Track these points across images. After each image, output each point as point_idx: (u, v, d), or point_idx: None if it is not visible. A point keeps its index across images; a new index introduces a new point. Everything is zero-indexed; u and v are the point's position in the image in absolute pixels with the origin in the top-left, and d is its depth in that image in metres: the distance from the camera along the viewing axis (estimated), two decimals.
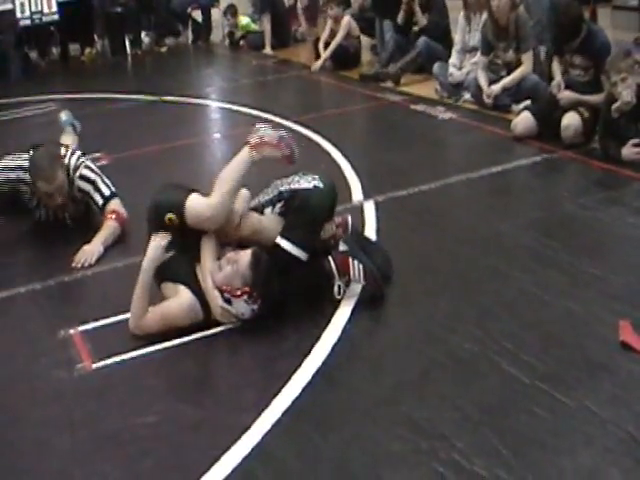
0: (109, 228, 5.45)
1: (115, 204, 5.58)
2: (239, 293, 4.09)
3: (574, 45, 6.70)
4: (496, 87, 7.69)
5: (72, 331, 4.33)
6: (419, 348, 3.91)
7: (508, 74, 7.81)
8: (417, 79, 9.49)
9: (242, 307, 4.13)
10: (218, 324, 4.21)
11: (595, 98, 6.57)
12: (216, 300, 4.17)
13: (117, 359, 4.03)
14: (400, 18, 9.99)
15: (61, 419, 3.65)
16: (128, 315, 4.26)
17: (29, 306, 4.64)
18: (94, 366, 4.00)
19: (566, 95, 6.74)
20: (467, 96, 8.29)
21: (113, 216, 5.50)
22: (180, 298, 4.21)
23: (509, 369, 3.64)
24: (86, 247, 5.25)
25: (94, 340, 4.24)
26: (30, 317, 4.62)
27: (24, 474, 3.35)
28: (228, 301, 4.13)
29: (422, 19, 9.76)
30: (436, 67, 8.79)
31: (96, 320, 4.41)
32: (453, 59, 8.65)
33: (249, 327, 4.18)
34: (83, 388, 3.87)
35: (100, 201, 5.55)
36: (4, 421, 3.71)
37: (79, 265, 5.10)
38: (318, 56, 10.92)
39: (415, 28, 9.86)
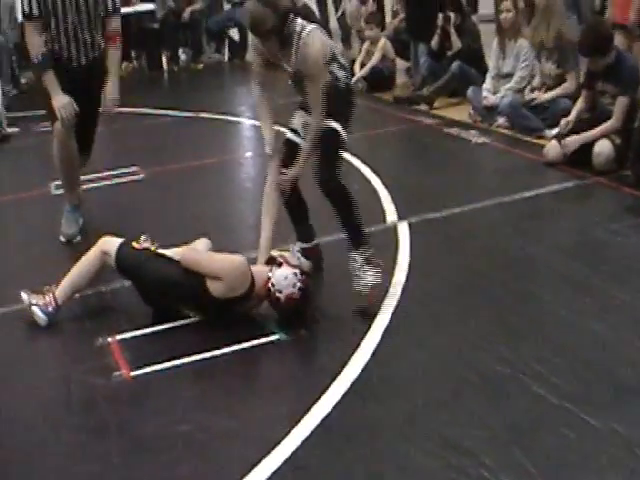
0: (118, 58, 6.00)
1: (119, 21, 5.94)
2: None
3: (601, 64, 6.71)
4: (571, 141, 6.95)
5: (110, 339, 4.42)
6: (450, 368, 3.98)
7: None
8: (451, 102, 9.55)
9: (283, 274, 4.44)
10: (252, 337, 4.30)
11: (602, 128, 6.64)
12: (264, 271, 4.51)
13: (153, 368, 4.11)
14: (434, 43, 10.06)
15: (97, 425, 3.74)
16: (164, 326, 4.38)
17: (67, 314, 4.71)
18: (131, 374, 4.08)
19: (569, 142, 6.82)
20: (501, 121, 8.31)
21: (117, 42, 5.91)
22: (235, 256, 4.50)
23: (538, 390, 3.69)
24: (109, 90, 5.86)
25: (131, 349, 4.33)
26: (68, 325, 4.70)
27: (59, 477, 3.42)
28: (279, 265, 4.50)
29: (457, 42, 9.82)
30: (470, 91, 8.85)
31: (133, 330, 4.50)
32: (487, 85, 8.69)
33: (283, 344, 4.27)
34: (119, 395, 3.95)
35: (110, 5, 5.80)
36: (40, 425, 3.79)
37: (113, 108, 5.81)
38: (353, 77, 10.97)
39: (449, 53, 9.93)
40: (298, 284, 4.41)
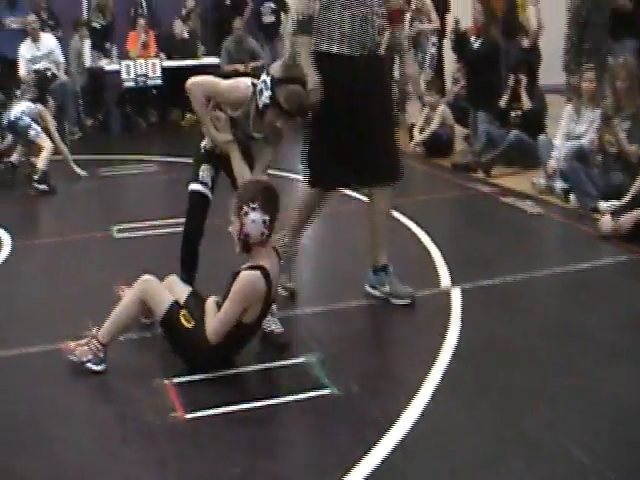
0: None
1: None
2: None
3: None
4: (626, 220, 6.95)
5: (166, 382, 4.55)
6: (495, 430, 4.06)
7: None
8: (508, 172, 9.64)
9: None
10: (304, 389, 4.42)
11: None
12: None
13: (208, 412, 4.23)
14: (503, 101, 10.16)
15: (152, 460, 3.88)
16: (219, 372, 4.57)
17: (126, 354, 4.87)
18: (186, 416, 4.21)
19: (624, 222, 6.90)
20: (559, 186, 8.32)
21: None
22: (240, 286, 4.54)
23: (580, 456, 3.75)
24: None
25: (187, 392, 4.46)
26: (127, 365, 4.84)
27: None
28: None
29: (527, 101, 9.91)
30: (541, 140, 9.04)
31: (189, 374, 4.63)
32: (558, 141, 8.74)
33: (334, 397, 4.38)
34: (174, 435, 4.08)
35: None
36: (96, 456, 3.96)
37: None
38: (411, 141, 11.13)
39: (512, 113, 10.03)
40: None
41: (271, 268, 4.61)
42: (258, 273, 4.52)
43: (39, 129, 9.74)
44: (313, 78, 5.20)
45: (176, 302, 4.68)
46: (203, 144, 5.30)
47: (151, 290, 4.71)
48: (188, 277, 5.26)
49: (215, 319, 4.56)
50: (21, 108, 9.81)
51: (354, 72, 5.32)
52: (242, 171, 5.05)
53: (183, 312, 4.63)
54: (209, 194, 5.26)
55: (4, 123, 9.89)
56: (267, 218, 4.57)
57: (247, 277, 4.52)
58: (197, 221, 5.28)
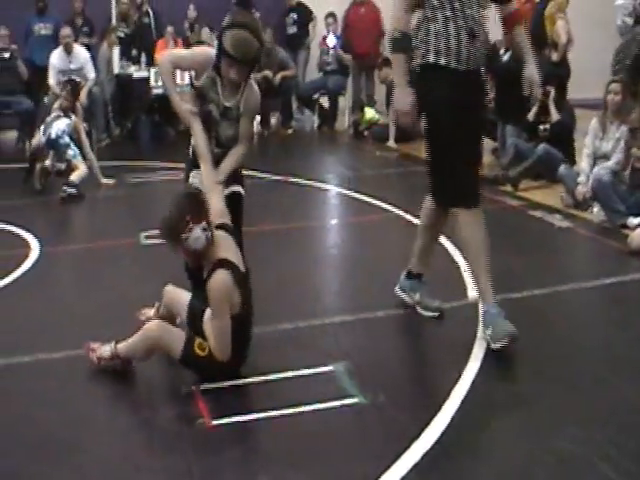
0: None
1: None
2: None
3: None
4: None
5: (194, 388, 4.56)
6: (523, 444, 4.03)
7: None
8: (536, 185, 9.61)
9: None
10: (331, 398, 4.42)
11: None
12: None
13: (234, 420, 4.24)
14: (532, 114, 10.12)
15: (178, 468, 3.88)
16: (246, 380, 4.58)
17: (153, 360, 4.84)
18: (213, 423, 4.21)
19: (634, 238, 6.89)
20: (596, 209, 8.19)
21: None
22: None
23: (606, 471, 3.73)
24: None
25: (214, 399, 4.46)
26: (154, 371, 4.85)
27: None
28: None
29: (555, 114, 9.85)
30: (562, 170, 8.85)
31: (217, 381, 4.62)
32: (583, 164, 8.63)
33: (361, 407, 4.38)
34: (201, 442, 4.08)
35: None
36: (120, 465, 3.96)
37: None
38: None
39: (541, 127, 10.00)
40: None
41: (232, 254, 4.65)
42: (221, 272, 4.53)
43: (77, 151, 9.93)
44: (405, 99, 5.06)
45: (188, 337, 4.64)
46: (190, 149, 5.30)
47: (161, 336, 4.66)
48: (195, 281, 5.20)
49: (215, 341, 4.55)
50: (62, 126, 9.98)
51: (465, 86, 5.07)
52: (202, 148, 5.03)
53: (197, 341, 4.60)
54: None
55: (44, 139, 10.01)
56: (204, 224, 4.56)
57: (215, 285, 4.51)
58: None
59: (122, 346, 4.74)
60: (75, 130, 10.04)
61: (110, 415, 4.48)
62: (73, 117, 10.11)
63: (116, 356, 4.75)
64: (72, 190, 9.39)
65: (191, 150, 5.32)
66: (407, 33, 5.06)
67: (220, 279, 4.51)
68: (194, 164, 5.24)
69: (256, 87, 5.20)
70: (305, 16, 15.10)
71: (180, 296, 4.99)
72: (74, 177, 9.58)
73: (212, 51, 5.08)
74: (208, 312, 4.66)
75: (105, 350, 4.79)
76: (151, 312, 5.29)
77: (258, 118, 13.93)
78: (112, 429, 4.31)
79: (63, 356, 5.06)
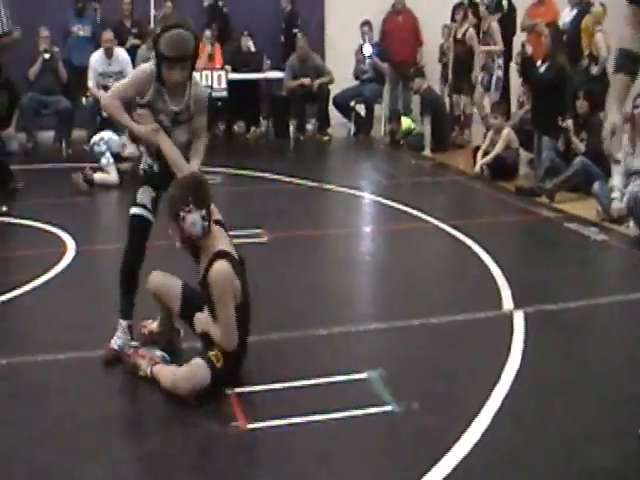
0: None
1: None
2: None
3: None
4: None
5: (229, 391, 4.59)
6: (554, 457, 4.03)
7: None
8: (572, 197, 9.54)
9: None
10: (366, 405, 4.43)
11: None
12: None
13: (268, 424, 4.27)
14: (560, 144, 10.13)
15: (211, 469, 3.92)
16: (281, 384, 4.60)
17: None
18: (248, 426, 4.25)
19: None
20: (632, 225, 8.12)
21: None
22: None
23: None
24: None
25: (248, 402, 4.50)
26: None
27: None
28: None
29: (580, 146, 9.82)
30: (596, 187, 8.76)
31: (252, 385, 4.68)
32: (616, 181, 8.53)
33: (395, 415, 4.39)
34: (234, 444, 4.12)
35: None
36: (154, 464, 4.01)
37: None
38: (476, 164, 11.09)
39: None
40: None
41: (226, 245, 4.74)
42: (221, 262, 4.60)
43: (112, 160, 10.32)
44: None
45: (203, 358, 4.62)
46: (141, 167, 5.23)
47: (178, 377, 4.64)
48: (127, 299, 5.22)
49: (221, 332, 4.60)
50: (100, 135, 10.53)
51: None
52: (176, 158, 4.96)
53: (212, 354, 4.61)
54: (149, 216, 5.10)
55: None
56: (204, 213, 4.62)
57: (218, 276, 4.58)
58: (137, 244, 5.17)
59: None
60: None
61: (146, 413, 4.55)
62: (124, 137, 10.29)
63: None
64: (82, 181, 10.00)
65: (141, 167, 5.22)
66: (633, 52, 4.39)
67: (222, 269, 4.58)
68: (145, 181, 5.15)
69: (200, 82, 5.29)
70: None
71: (170, 286, 5.06)
72: (97, 177, 10.11)
73: (149, 65, 5.05)
74: (206, 315, 4.74)
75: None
76: (154, 325, 5.34)
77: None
78: (147, 427, 4.39)
79: (98, 355, 5.07)
